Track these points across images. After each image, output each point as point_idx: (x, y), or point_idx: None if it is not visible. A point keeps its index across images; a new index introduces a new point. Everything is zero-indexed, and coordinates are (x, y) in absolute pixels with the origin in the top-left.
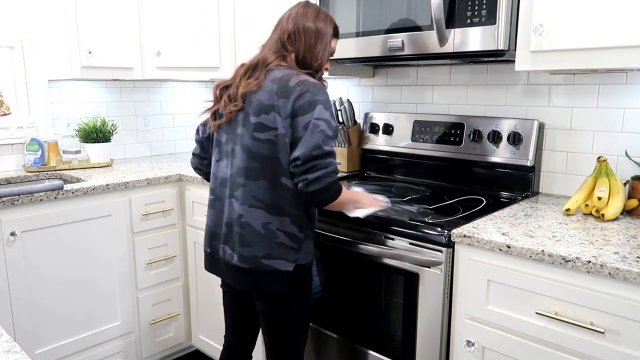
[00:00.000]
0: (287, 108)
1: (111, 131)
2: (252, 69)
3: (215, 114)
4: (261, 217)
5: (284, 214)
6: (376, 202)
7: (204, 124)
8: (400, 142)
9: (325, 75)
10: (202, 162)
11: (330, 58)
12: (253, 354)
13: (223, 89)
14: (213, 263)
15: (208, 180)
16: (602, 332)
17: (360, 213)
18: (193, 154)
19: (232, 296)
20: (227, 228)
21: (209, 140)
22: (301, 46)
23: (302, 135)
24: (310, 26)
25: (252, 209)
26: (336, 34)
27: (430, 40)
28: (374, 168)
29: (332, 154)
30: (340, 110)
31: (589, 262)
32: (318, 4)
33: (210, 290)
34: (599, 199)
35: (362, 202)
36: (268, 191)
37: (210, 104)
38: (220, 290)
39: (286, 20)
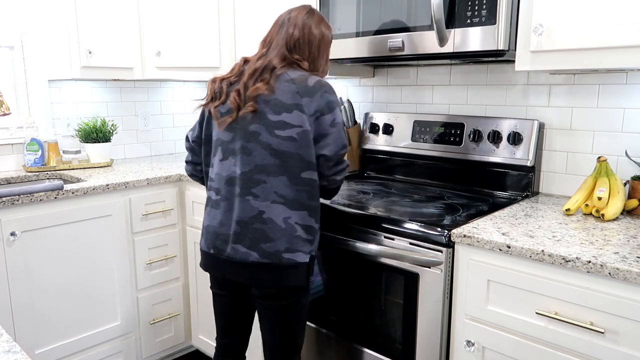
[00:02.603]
0: (312, 106)
1: (111, 131)
2: (261, 72)
3: (219, 109)
4: (282, 212)
5: (303, 207)
6: None
7: (193, 129)
8: (400, 142)
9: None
10: (195, 168)
11: (331, 58)
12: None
13: (229, 85)
14: (217, 264)
15: (204, 184)
16: (602, 332)
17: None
18: (186, 162)
19: (227, 298)
20: (239, 226)
21: (200, 143)
22: (306, 56)
23: (330, 133)
24: (316, 36)
25: (274, 204)
26: (330, 43)
27: (430, 40)
28: (374, 168)
29: (347, 147)
30: (340, 110)
31: (589, 262)
32: (318, 8)
33: (210, 290)
34: (599, 199)
35: None
36: (288, 187)
37: (203, 98)
38: None
39: (293, 25)
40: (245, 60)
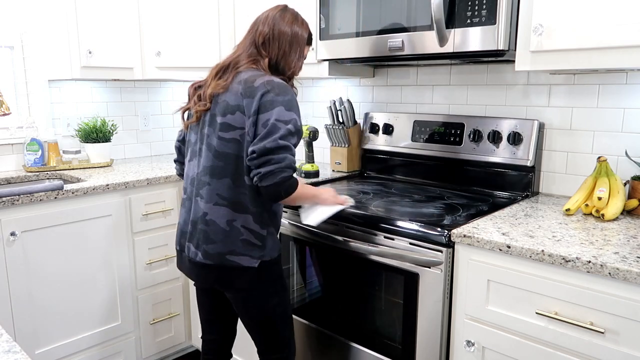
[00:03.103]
0: (251, 107)
1: (111, 131)
2: (223, 71)
3: (187, 113)
4: (226, 215)
5: (247, 211)
6: (338, 199)
7: (181, 131)
8: (401, 142)
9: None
10: (182, 167)
11: (331, 58)
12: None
13: (196, 89)
14: (180, 261)
15: None
16: (602, 332)
17: (313, 220)
18: (174, 161)
19: (204, 292)
20: (192, 226)
21: (185, 143)
22: (275, 52)
23: (261, 132)
24: (287, 31)
25: (217, 206)
26: (309, 41)
27: (430, 40)
28: (374, 168)
29: (288, 149)
30: (340, 110)
31: (589, 262)
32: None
33: None
34: (599, 199)
35: (323, 197)
36: (231, 189)
37: (185, 103)
38: None
39: (262, 22)
40: (217, 65)
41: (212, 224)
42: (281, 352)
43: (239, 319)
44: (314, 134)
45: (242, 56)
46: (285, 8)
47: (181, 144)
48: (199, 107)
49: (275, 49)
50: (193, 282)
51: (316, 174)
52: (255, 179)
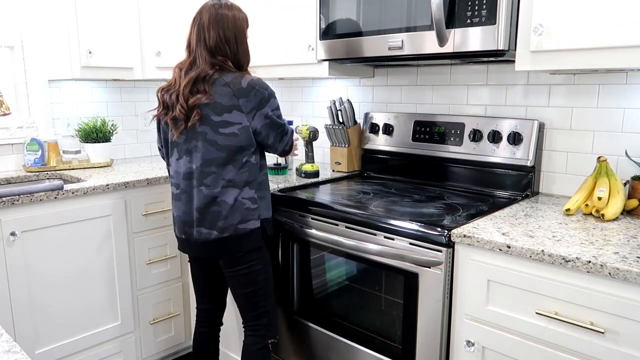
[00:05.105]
0: (248, 105)
1: (111, 131)
2: (194, 82)
3: (172, 119)
4: (232, 193)
5: (246, 184)
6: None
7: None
8: (401, 142)
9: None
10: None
11: (331, 58)
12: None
13: (164, 93)
14: (188, 246)
15: None
16: (602, 332)
17: None
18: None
19: (201, 266)
20: (199, 213)
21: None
22: (228, 55)
23: (265, 123)
24: (231, 32)
25: (225, 188)
26: (247, 24)
27: (430, 40)
28: (374, 168)
29: (285, 124)
30: (340, 110)
31: (589, 262)
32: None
33: None
34: (599, 199)
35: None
36: (233, 172)
37: (156, 109)
38: None
39: (206, 29)
40: (180, 69)
41: (223, 203)
42: (260, 319)
43: (228, 292)
44: (314, 134)
45: (205, 68)
46: (217, 3)
47: (162, 148)
48: (196, 117)
49: (228, 52)
50: (189, 259)
51: (316, 174)
52: (280, 152)
